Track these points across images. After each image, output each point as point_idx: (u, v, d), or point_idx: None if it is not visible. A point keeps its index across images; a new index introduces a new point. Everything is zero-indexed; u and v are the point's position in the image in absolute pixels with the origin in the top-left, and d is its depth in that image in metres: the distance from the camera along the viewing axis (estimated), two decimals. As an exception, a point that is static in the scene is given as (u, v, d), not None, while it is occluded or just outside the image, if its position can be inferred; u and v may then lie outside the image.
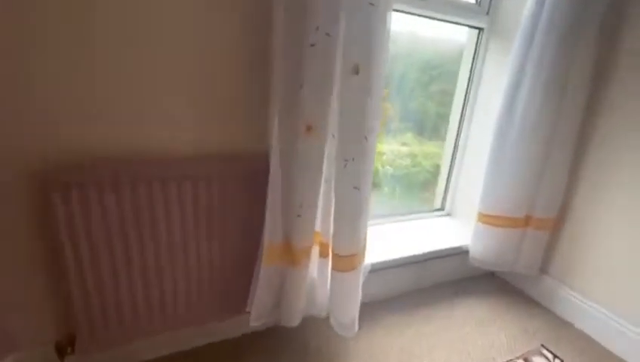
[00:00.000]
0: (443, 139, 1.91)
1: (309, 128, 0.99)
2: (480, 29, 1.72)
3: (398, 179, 1.91)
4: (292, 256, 1.10)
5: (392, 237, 1.68)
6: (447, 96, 1.82)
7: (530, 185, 1.47)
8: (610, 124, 1.33)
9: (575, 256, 1.48)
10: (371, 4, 0.91)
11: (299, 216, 1.06)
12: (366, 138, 1.02)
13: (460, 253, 1.67)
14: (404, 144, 1.88)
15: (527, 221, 1.54)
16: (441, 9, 1.52)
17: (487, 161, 1.51)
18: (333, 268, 1.12)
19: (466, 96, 1.82)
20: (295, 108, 0.98)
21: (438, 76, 1.79)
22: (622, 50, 1.28)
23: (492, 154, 1.49)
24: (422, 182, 1.90)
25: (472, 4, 1.69)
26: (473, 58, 1.76)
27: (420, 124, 1.85)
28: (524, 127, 1.40)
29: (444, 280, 1.74)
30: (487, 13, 1.69)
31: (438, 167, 1.91)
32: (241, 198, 1.09)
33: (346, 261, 1.10)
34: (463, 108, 1.84)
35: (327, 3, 0.89)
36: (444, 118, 1.83)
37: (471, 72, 1.78)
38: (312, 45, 0.92)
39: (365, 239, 1.15)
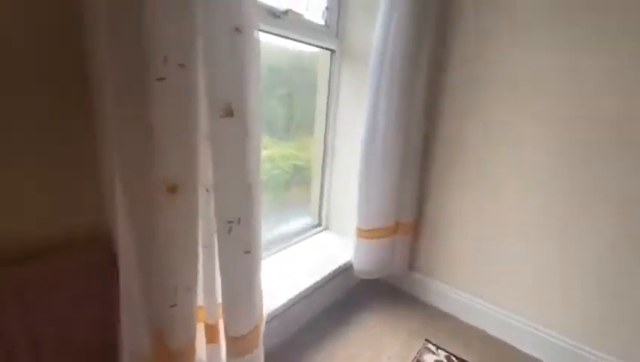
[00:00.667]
0: (294, 139, 1.87)
1: (172, 188, 0.73)
2: (332, 50, 1.77)
3: (264, 184, 1.77)
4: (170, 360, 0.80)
5: (276, 274, 1.55)
6: (292, 98, 1.77)
7: (395, 195, 1.62)
8: (447, 136, 1.59)
9: (436, 252, 1.73)
10: (237, 29, 0.72)
11: (174, 305, 0.78)
12: (250, 187, 0.84)
13: (345, 269, 1.70)
14: (264, 148, 1.74)
15: (396, 227, 1.70)
16: (293, 29, 1.47)
17: (359, 179, 1.57)
18: (229, 355, 0.89)
19: (327, 114, 1.86)
20: (146, 162, 0.70)
21: (286, 80, 1.72)
22: (447, 76, 1.54)
23: (362, 173, 1.56)
24: (284, 183, 1.84)
25: (322, 25, 1.72)
26: (330, 75, 1.81)
27: (272, 125, 1.75)
28: (385, 146, 1.51)
29: (334, 300, 1.73)
30: (337, 35, 1.75)
31: (295, 167, 1.87)
32: (77, 312, 0.72)
33: (244, 342, 0.89)
34: (326, 124, 1.87)
35: (177, 27, 0.65)
36: (292, 119, 1.78)
37: (329, 88, 1.82)
38: (161, 79, 0.67)
39: (262, 306, 0.97)
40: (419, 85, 1.51)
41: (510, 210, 1.43)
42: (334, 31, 1.74)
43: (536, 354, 1.42)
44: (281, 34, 1.43)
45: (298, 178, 1.94)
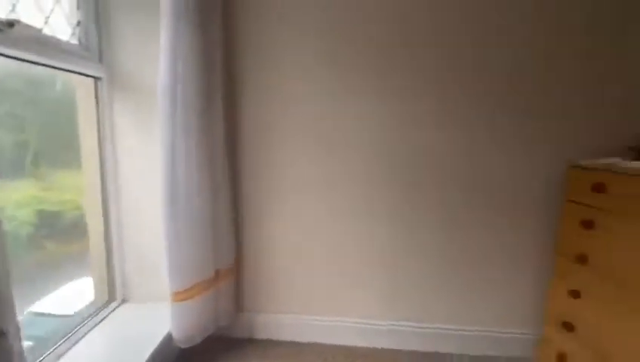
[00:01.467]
0: (35, 176, 1.34)
1: None
2: (96, 78, 1.39)
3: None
4: None
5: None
6: (23, 121, 1.27)
7: (211, 243, 1.47)
8: (251, 172, 1.58)
9: (260, 285, 1.69)
10: None
11: None
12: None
13: (165, 344, 1.38)
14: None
15: (217, 276, 1.54)
16: (26, 47, 1.04)
17: (165, 239, 1.31)
18: None
19: (100, 148, 1.45)
20: None
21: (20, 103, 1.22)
22: (242, 116, 1.54)
23: (168, 229, 1.31)
24: (27, 240, 1.30)
25: (75, 46, 1.32)
26: (97, 106, 1.41)
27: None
28: (190, 193, 1.33)
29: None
30: (100, 60, 1.39)
31: (43, 215, 1.36)
32: None
33: None
34: (100, 160, 1.45)
35: None
36: (28, 149, 1.27)
37: (98, 120, 1.42)
38: None
39: None
40: (217, 124, 1.43)
41: (310, 230, 1.60)
42: (96, 54, 1.38)
43: (366, 344, 1.64)
44: (6, 53, 0.97)
45: (55, 229, 1.39)
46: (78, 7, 1.32)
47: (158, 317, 1.46)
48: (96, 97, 1.41)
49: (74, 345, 1.29)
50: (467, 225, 1.50)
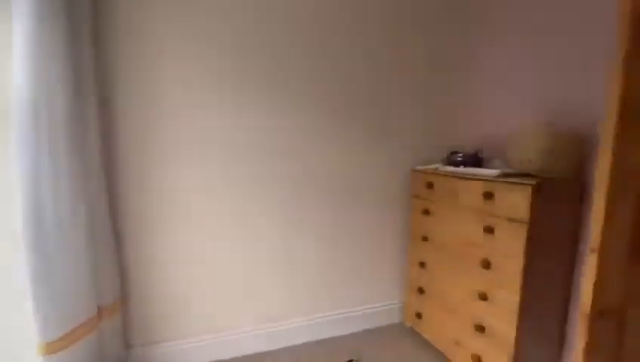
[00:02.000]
0: None
1: None
2: None
3: None
4: None
5: None
6: None
7: (90, 275, 1.29)
8: (129, 193, 1.46)
9: (151, 315, 1.55)
10: None
11: None
12: None
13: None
14: None
15: (100, 314, 1.35)
16: None
17: (29, 281, 1.09)
18: None
19: None
20: None
21: None
22: (120, 130, 1.41)
23: (33, 269, 1.09)
24: None
25: None
26: None
27: None
28: (61, 224, 1.16)
29: None
30: None
31: None
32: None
33: None
34: None
35: None
36: None
37: None
38: None
39: None
40: (90, 138, 1.28)
41: (200, 247, 1.60)
42: None
43: (267, 349, 1.72)
44: None
45: None
46: None
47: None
48: None
49: None
50: (344, 223, 1.81)
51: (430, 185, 1.66)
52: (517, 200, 1.25)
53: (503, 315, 1.32)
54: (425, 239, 1.72)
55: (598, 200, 0.82)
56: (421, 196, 1.74)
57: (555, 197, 1.26)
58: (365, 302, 1.92)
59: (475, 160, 1.54)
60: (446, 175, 1.58)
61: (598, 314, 0.85)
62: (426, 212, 1.70)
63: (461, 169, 1.52)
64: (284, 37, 1.56)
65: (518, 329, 1.27)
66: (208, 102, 1.49)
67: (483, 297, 1.39)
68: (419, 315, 1.78)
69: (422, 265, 1.75)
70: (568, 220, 1.33)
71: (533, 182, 1.20)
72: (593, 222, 0.83)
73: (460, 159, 1.57)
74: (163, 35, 1.40)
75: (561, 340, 1.42)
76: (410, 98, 1.84)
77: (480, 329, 1.41)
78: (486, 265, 1.37)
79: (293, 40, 1.57)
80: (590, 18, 1.36)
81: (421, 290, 1.76)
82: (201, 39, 1.45)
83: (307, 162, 1.67)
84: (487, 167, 1.49)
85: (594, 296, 0.84)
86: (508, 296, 1.30)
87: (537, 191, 1.20)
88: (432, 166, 1.70)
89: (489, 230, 1.35)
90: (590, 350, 0.86)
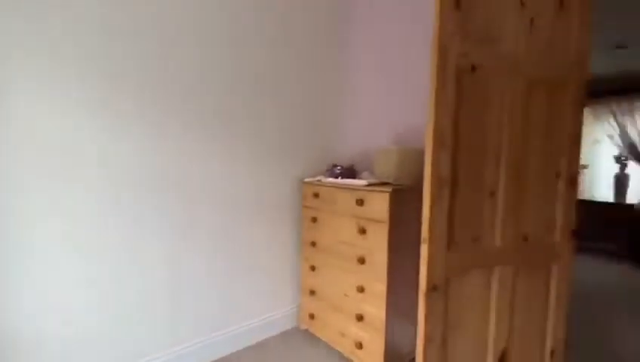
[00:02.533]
0: None
1: None
2: None
3: None
4: None
5: None
6: None
7: None
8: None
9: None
10: None
11: None
12: None
13: None
14: None
15: None
16: None
17: None
18: None
19: None
20: None
21: None
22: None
23: None
24: None
25: None
26: None
27: None
28: None
29: None
30: None
31: None
32: None
33: None
34: None
35: None
36: None
37: None
38: None
39: None
40: None
41: (70, 274, 1.43)
42: None
43: None
44: None
45: None
46: None
47: None
48: None
49: None
50: (239, 238, 1.84)
51: (316, 195, 1.85)
52: (379, 205, 1.51)
53: (376, 303, 1.56)
54: (313, 244, 1.89)
55: (425, 203, 1.09)
56: (310, 205, 1.92)
57: (406, 201, 1.58)
58: (266, 311, 1.97)
59: (351, 172, 1.79)
60: (328, 185, 1.79)
61: (432, 289, 1.12)
62: (314, 219, 1.88)
63: (339, 180, 1.75)
64: (152, 52, 1.53)
65: (386, 312, 1.53)
66: (77, 122, 1.35)
67: (361, 290, 1.62)
68: (312, 316, 1.94)
69: (312, 268, 1.92)
70: (414, 219, 1.67)
71: (389, 189, 1.48)
72: (423, 220, 1.09)
73: (338, 171, 1.80)
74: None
75: (415, 315, 1.76)
76: (299, 115, 2.02)
77: (360, 318, 1.63)
78: (362, 261, 1.60)
79: (159, 53, 1.56)
80: (419, 58, 1.77)
81: (312, 292, 1.92)
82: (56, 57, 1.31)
83: (194, 181, 1.65)
84: (359, 178, 1.75)
85: (427, 275, 1.11)
86: (378, 286, 1.55)
87: (393, 197, 1.49)
88: (317, 178, 1.90)
89: (362, 231, 1.59)
90: (428, 317, 1.13)
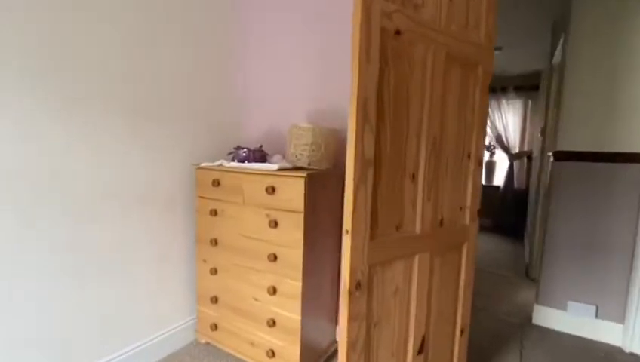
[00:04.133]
0: None
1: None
2: None
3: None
4: None
5: None
6: None
7: None
8: None
9: None
10: None
11: None
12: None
13: None
14: None
15: None
16: None
17: None
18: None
19: None
20: None
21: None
22: None
23: None
24: None
25: None
26: None
27: None
28: None
29: None
30: None
31: None
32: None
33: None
34: None
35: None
36: None
37: None
38: None
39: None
40: None
41: None
42: None
43: None
44: None
45: None
46: None
47: None
48: None
49: None
50: (111, 242, 1.40)
51: (217, 183, 1.53)
52: (293, 193, 1.30)
53: (289, 304, 1.37)
54: (214, 243, 1.58)
55: (347, 189, 0.92)
56: (207, 196, 1.59)
57: (322, 187, 1.41)
58: (156, 328, 1.58)
59: (259, 155, 1.53)
60: (231, 171, 1.49)
61: (355, 286, 0.97)
62: (214, 212, 1.56)
63: (245, 164, 1.47)
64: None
65: (302, 314, 1.35)
66: None
67: (272, 291, 1.40)
68: (215, 327, 1.63)
69: (213, 271, 1.60)
70: (333, 207, 1.53)
71: (304, 174, 1.28)
72: (346, 207, 0.93)
73: (244, 154, 1.52)
74: None
75: (335, 315, 1.64)
76: (191, 86, 1.64)
77: (272, 323, 1.42)
78: (273, 258, 1.38)
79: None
80: (337, 32, 1.61)
81: (215, 299, 1.62)
82: None
83: (36, 170, 1.15)
84: (269, 163, 1.51)
85: (350, 272, 0.95)
86: (293, 285, 1.35)
87: (308, 183, 1.30)
88: (217, 162, 1.58)
89: (274, 224, 1.36)
90: (351, 319, 0.98)
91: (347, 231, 0.93)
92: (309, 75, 1.73)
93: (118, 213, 1.39)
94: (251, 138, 1.92)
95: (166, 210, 1.58)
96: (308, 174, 1.29)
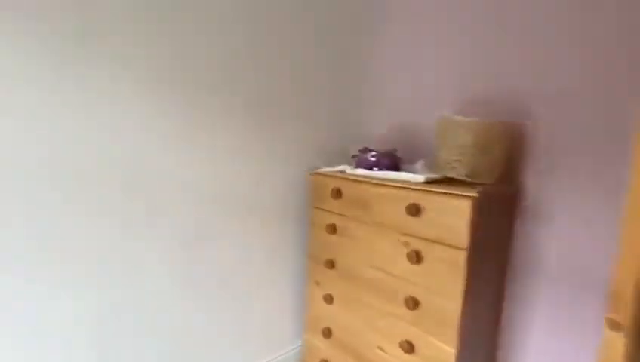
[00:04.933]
0: None
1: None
2: None
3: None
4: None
5: None
6: None
7: None
8: None
9: None
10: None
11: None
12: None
13: None
14: None
15: None
16: None
17: None
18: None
19: None
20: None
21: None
22: None
23: None
24: None
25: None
26: None
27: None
28: None
29: None
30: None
31: None
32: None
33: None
34: None
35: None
36: None
37: None
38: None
39: None
40: None
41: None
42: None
43: None
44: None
45: None
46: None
47: None
48: None
49: None
50: (213, 255, 1.24)
51: (338, 194, 1.23)
52: (451, 218, 0.90)
53: (435, 373, 0.97)
54: (330, 265, 1.29)
55: (625, 236, 0.47)
56: (325, 207, 1.30)
57: (490, 211, 0.96)
58: (259, 357, 1.39)
59: (392, 160, 1.17)
60: (357, 180, 1.16)
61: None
62: (332, 229, 1.27)
63: (376, 173, 1.12)
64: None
65: (453, 392, 0.94)
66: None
67: (408, 348, 1.02)
68: (325, 363, 1.35)
69: (328, 299, 1.32)
70: (501, 242, 1.07)
71: (473, 193, 0.86)
72: (621, 269, 0.48)
73: (373, 159, 1.18)
74: None
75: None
76: (300, 77, 1.38)
77: (404, 388, 1.05)
78: (412, 304, 1.00)
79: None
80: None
81: (328, 332, 1.33)
82: None
83: (155, 170, 1.03)
84: (406, 171, 1.13)
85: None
86: (440, 349, 0.95)
87: (477, 206, 0.87)
88: (339, 168, 1.28)
89: (416, 257, 0.99)
90: None
91: (616, 325, 0.48)
92: (463, 45, 1.27)
93: (225, 224, 1.22)
94: (376, 137, 1.57)
95: (275, 220, 1.36)
96: (479, 193, 0.86)
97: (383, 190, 1.08)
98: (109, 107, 0.93)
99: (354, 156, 1.28)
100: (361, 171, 1.18)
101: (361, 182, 1.15)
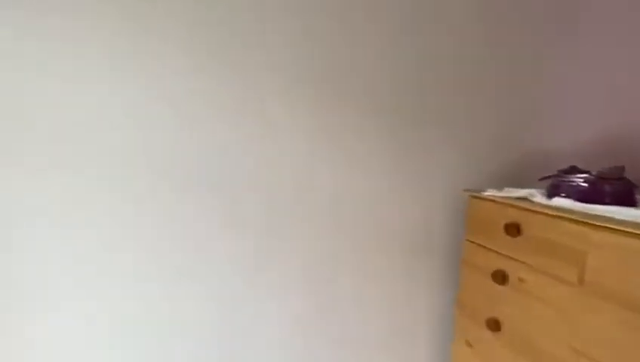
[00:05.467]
0: None
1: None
2: None
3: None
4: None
5: None
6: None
7: None
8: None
9: None
10: None
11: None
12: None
13: None
14: None
15: None
16: None
17: None
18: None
19: None
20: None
21: None
22: None
23: None
24: None
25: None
26: None
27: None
28: None
29: None
30: None
31: None
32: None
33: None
34: None
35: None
36: None
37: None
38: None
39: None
40: None
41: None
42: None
43: None
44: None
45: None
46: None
47: None
48: None
49: None
50: (343, 290, 1.04)
51: (515, 230, 0.87)
52: None
53: None
54: (494, 326, 0.93)
55: None
56: (489, 245, 0.96)
57: None
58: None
59: (625, 189, 0.75)
60: (556, 215, 0.79)
61: None
62: (501, 277, 0.91)
63: (597, 207, 0.73)
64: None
65: None
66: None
67: None
68: None
69: (484, 369, 0.96)
70: None
71: None
72: None
73: (585, 185, 0.78)
74: None
75: None
76: (466, 75, 1.07)
77: None
78: None
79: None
80: None
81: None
82: None
83: (277, 180, 0.91)
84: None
85: None
86: None
87: None
88: (519, 192, 0.91)
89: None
90: None
91: None
92: None
93: (354, 255, 1.01)
94: (560, 152, 1.13)
95: (415, 250, 1.09)
96: None
97: (608, 237, 0.69)
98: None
99: (544, 178, 0.90)
100: (563, 202, 0.79)
101: (563, 219, 0.77)
